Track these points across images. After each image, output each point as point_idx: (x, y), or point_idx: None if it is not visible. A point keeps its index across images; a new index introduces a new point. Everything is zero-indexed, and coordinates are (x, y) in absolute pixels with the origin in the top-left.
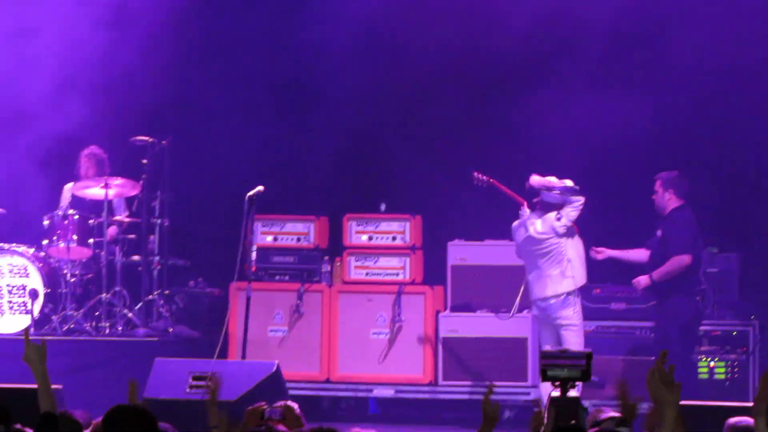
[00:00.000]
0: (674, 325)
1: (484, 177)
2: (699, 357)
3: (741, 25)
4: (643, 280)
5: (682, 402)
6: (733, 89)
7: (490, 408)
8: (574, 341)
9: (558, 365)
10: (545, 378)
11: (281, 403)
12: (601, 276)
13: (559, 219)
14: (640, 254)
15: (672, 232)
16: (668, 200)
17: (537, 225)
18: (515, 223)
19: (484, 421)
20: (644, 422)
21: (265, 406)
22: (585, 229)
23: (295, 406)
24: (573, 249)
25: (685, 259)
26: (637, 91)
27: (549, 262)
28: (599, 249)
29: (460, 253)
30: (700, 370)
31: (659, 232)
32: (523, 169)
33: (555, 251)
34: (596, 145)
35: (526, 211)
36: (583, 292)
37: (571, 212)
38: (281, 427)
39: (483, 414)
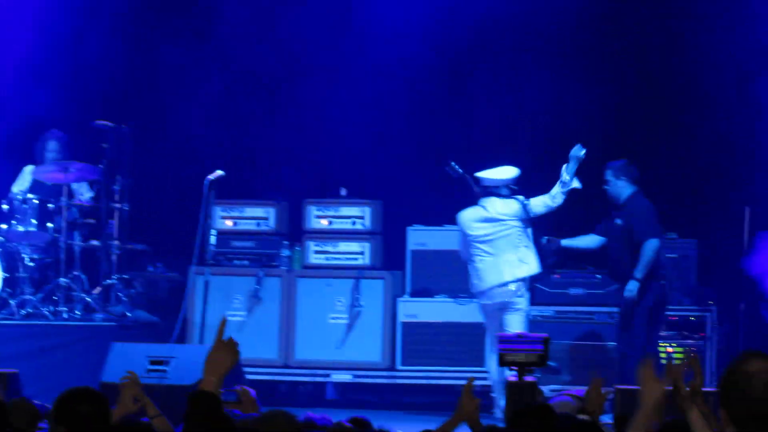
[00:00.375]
0: (638, 309)
1: (460, 170)
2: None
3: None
4: (634, 289)
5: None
6: (688, 72)
7: (470, 403)
8: (519, 328)
9: (515, 350)
10: (503, 363)
11: (237, 387)
12: (560, 261)
13: (526, 203)
14: (590, 241)
15: (635, 219)
16: (621, 188)
17: (498, 206)
18: (468, 214)
19: (456, 414)
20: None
21: (221, 390)
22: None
23: (251, 390)
24: (528, 237)
25: (655, 243)
26: (588, 75)
27: (507, 246)
28: (551, 238)
29: (420, 238)
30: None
31: (618, 221)
32: (480, 155)
33: (514, 235)
34: (549, 131)
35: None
36: (541, 277)
37: (538, 204)
38: (237, 410)
39: (458, 407)
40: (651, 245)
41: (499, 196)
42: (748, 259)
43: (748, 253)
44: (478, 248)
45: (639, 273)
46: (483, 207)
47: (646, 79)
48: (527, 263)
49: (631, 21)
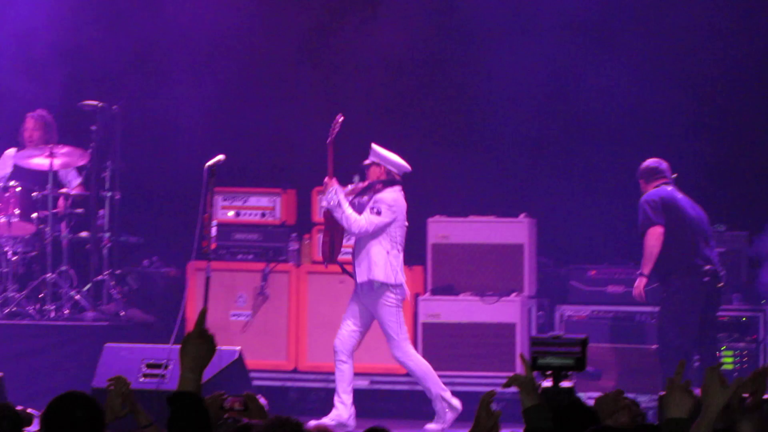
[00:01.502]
0: (665, 308)
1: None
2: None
3: None
4: (640, 285)
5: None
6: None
7: (489, 418)
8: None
9: (550, 353)
10: (536, 367)
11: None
12: (597, 256)
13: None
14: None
15: (640, 209)
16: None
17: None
18: (398, 195)
19: (472, 430)
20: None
21: (225, 396)
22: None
23: (260, 397)
24: None
25: (653, 231)
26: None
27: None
28: None
29: (442, 230)
30: None
31: None
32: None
33: None
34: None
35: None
36: (576, 273)
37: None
38: (244, 419)
39: (476, 423)
40: (649, 235)
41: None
42: None
43: None
44: (400, 239)
45: (645, 268)
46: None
47: (696, 67)
48: None
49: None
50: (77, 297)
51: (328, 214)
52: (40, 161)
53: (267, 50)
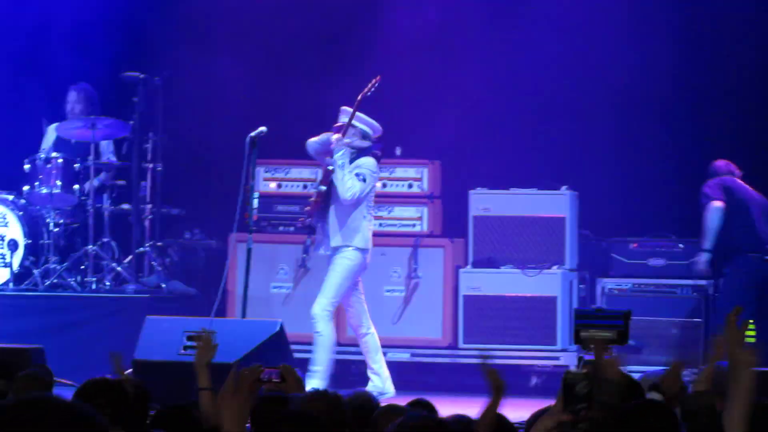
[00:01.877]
0: (724, 285)
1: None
2: None
3: None
4: (701, 260)
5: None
6: None
7: (493, 376)
8: None
9: (593, 325)
10: (577, 340)
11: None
12: (639, 229)
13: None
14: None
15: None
16: None
17: None
18: (374, 160)
19: (493, 392)
20: (715, 384)
21: (262, 368)
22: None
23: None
24: None
25: (711, 206)
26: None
27: None
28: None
29: (483, 202)
30: None
31: None
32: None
33: None
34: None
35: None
36: (618, 246)
37: None
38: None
39: (489, 385)
40: (707, 210)
41: None
42: None
43: None
44: (372, 204)
45: (707, 243)
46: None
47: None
48: None
49: None
50: (119, 269)
51: (328, 172)
52: (81, 132)
53: (311, 22)
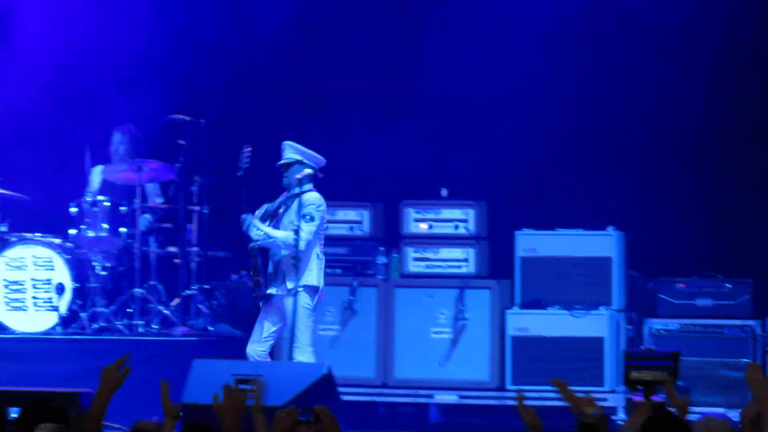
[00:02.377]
0: None
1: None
2: None
3: None
4: None
5: None
6: None
7: (529, 416)
8: None
9: (643, 366)
10: (627, 381)
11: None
12: (686, 269)
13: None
14: None
15: None
16: None
17: None
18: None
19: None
20: (741, 418)
21: (298, 411)
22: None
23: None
24: None
25: None
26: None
27: None
28: None
29: (530, 243)
30: None
31: None
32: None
33: None
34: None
35: None
36: (665, 286)
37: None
38: None
39: (526, 424)
40: None
41: None
42: None
43: None
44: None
45: None
46: None
47: None
48: None
49: None
50: (166, 312)
51: (254, 249)
52: (127, 175)
53: (356, 67)
